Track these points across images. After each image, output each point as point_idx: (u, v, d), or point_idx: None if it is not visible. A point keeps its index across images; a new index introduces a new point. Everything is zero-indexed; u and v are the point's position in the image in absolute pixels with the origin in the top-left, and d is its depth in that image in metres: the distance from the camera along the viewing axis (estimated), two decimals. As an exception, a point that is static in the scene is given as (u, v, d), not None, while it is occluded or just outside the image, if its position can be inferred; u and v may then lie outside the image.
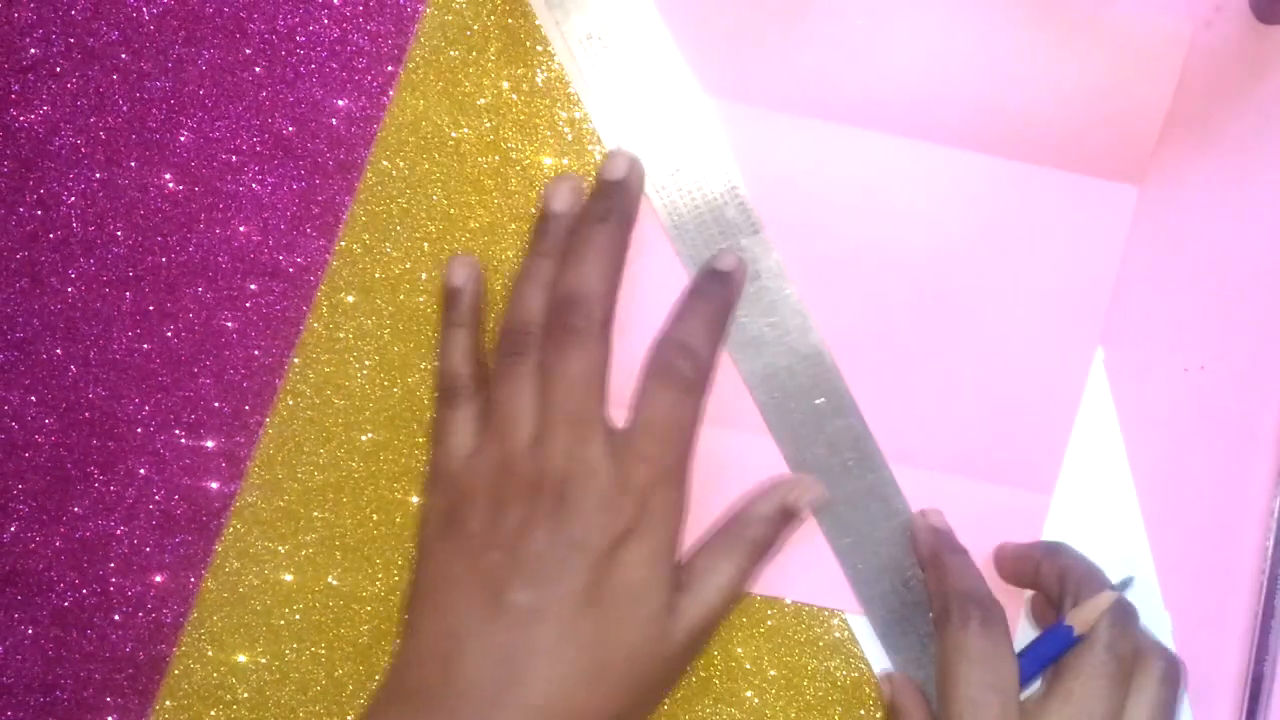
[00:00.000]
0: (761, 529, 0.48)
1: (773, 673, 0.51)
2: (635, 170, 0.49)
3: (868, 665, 0.50)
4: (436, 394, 0.49)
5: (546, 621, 0.44)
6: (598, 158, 0.50)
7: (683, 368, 0.46)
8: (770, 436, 0.50)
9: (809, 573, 0.50)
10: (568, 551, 0.44)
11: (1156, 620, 0.50)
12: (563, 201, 0.48)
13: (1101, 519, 0.50)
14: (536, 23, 0.50)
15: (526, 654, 0.44)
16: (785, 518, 0.48)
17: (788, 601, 0.50)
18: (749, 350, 0.50)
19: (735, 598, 0.48)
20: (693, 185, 0.49)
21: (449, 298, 0.49)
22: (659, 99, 0.49)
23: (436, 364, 0.50)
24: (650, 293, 0.49)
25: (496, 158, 0.50)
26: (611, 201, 0.48)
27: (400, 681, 0.45)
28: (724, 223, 0.49)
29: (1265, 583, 0.49)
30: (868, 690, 0.50)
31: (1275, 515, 0.49)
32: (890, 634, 0.50)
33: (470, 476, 0.46)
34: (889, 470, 0.50)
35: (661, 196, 0.50)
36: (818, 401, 0.50)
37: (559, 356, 0.46)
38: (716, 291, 0.48)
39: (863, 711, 0.51)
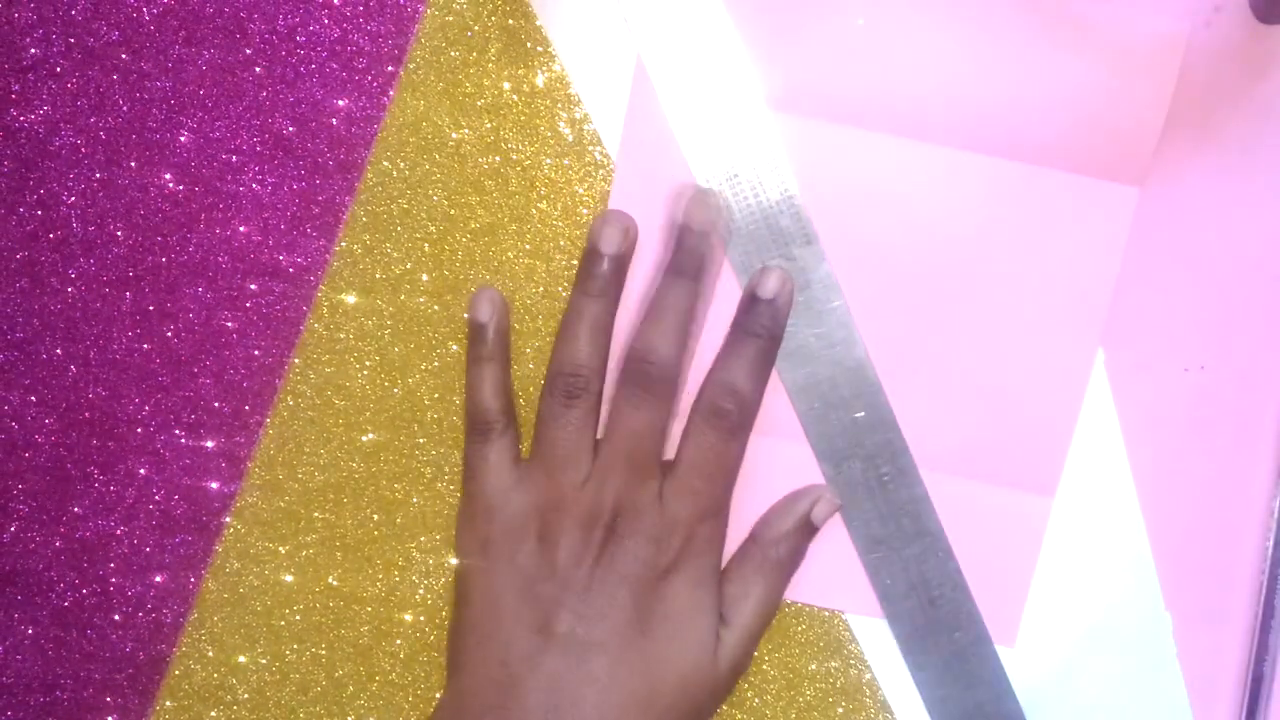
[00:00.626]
0: (787, 547, 0.49)
1: (772, 673, 0.51)
2: (715, 230, 0.49)
3: (868, 666, 0.50)
4: (467, 429, 0.49)
5: (598, 652, 0.45)
6: (599, 159, 0.50)
7: (730, 411, 0.47)
8: (808, 445, 0.50)
9: (837, 582, 0.51)
10: (618, 585, 0.46)
11: (1157, 620, 0.50)
12: (611, 245, 0.48)
13: (1102, 520, 0.50)
14: (538, 23, 0.50)
15: (579, 683, 0.45)
16: (809, 532, 0.49)
17: (788, 602, 0.50)
18: (793, 359, 0.50)
19: (770, 619, 0.49)
20: (749, 192, 0.49)
21: (474, 332, 0.49)
22: (721, 104, 0.49)
23: (465, 400, 0.50)
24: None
25: (497, 158, 0.50)
26: (699, 257, 0.48)
27: (454, 712, 0.46)
28: (778, 231, 0.49)
29: (1265, 583, 0.49)
30: (868, 691, 0.50)
31: (1275, 515, 0.49)
32: (913, 650, 0.50)
33: (514, 510, 0.48)
34: (924, 487, 0.50)
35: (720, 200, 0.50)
36: (858, 415, 0.50)
37: (629, 408, 0.47)
38: (763, 327, 0.48)
39: (863, 712, 0.50)
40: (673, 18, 0.49)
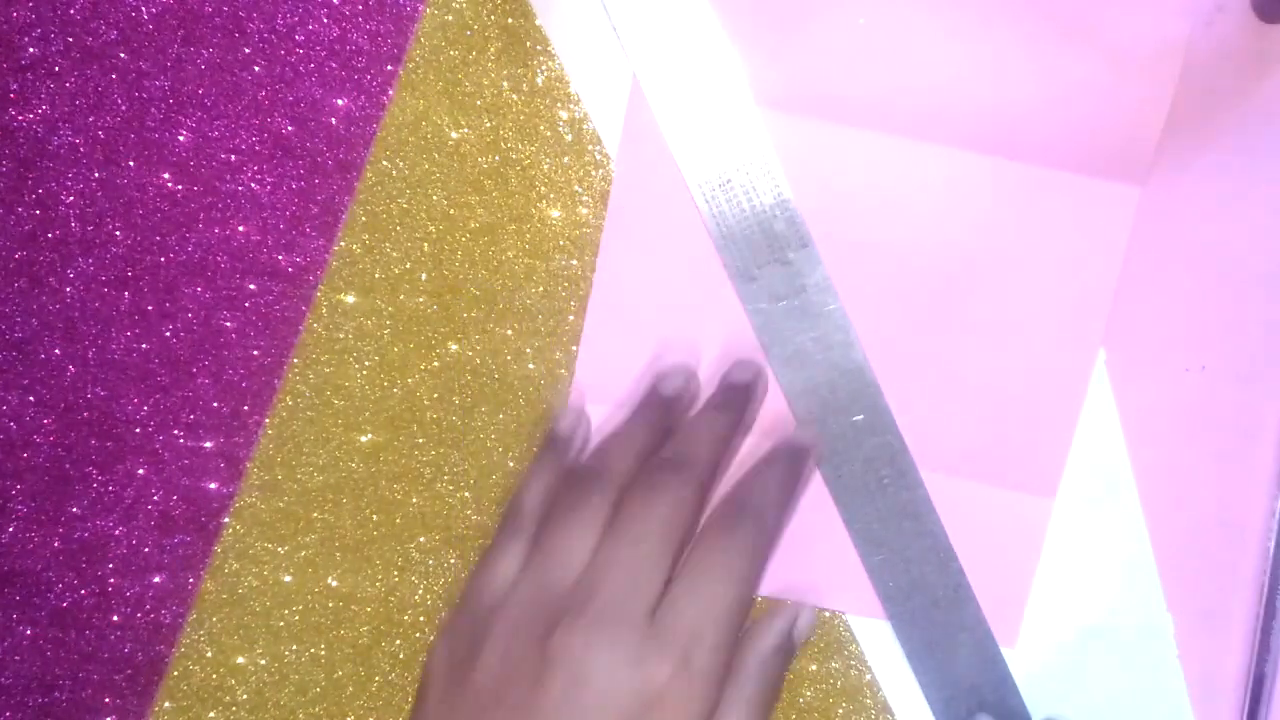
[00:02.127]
0: (771, 671, 0.44)
1: (773, 674, 0.51)
2: (761, 379, 0.49)
3: (868, 667, 0.50)
4: (502, 517, 0.46)
5: None
6: (598, 158, 0.50)
7: (747, 528, 0.43)
8: None
9: (840, 585, 0.50)
10: (586, 713, 0.40)
11: (1159, 621, 0.50)
12: (673, 387, 0.48)
13: (1103, 520, 0.50)
14: (538, 22, 0.50)
15: None
16: (789, 653, 0.45)
17: (789, 604, 0.50)
18: (791, 364, 0.50)
19: None
20: (742, 196, 0.49)
21: (555, 439, 0.48)
22: (711, 108, 0.49)
23: (517, 488, 0.47)
24: (695, 304, 0.50)
25: (496, 158, 0.50)
26: (734, 398, 0.48)
27: None
28: (772, 235, 0.49)
29: (1266, 583, 0.49)
30: (868, 692, 0.50)
31: (1276, 515, 0.49)
32: (918, 652, 0.50)
33: (500, 610, 0.42)
34: (924, 489, 0.50)
35: (710, 207, 0.49)
36: (856, 418, 0.50)
37: (647, 497, 0.43)
38: (785, 456, 0.47)
39: (863, 713, 0.50)
40: (662, 22, 0.49)
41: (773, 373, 0.50)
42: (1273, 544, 0.49)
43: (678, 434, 0.46)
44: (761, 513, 0.44)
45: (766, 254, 0.49)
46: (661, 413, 0.47)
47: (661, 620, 0.41)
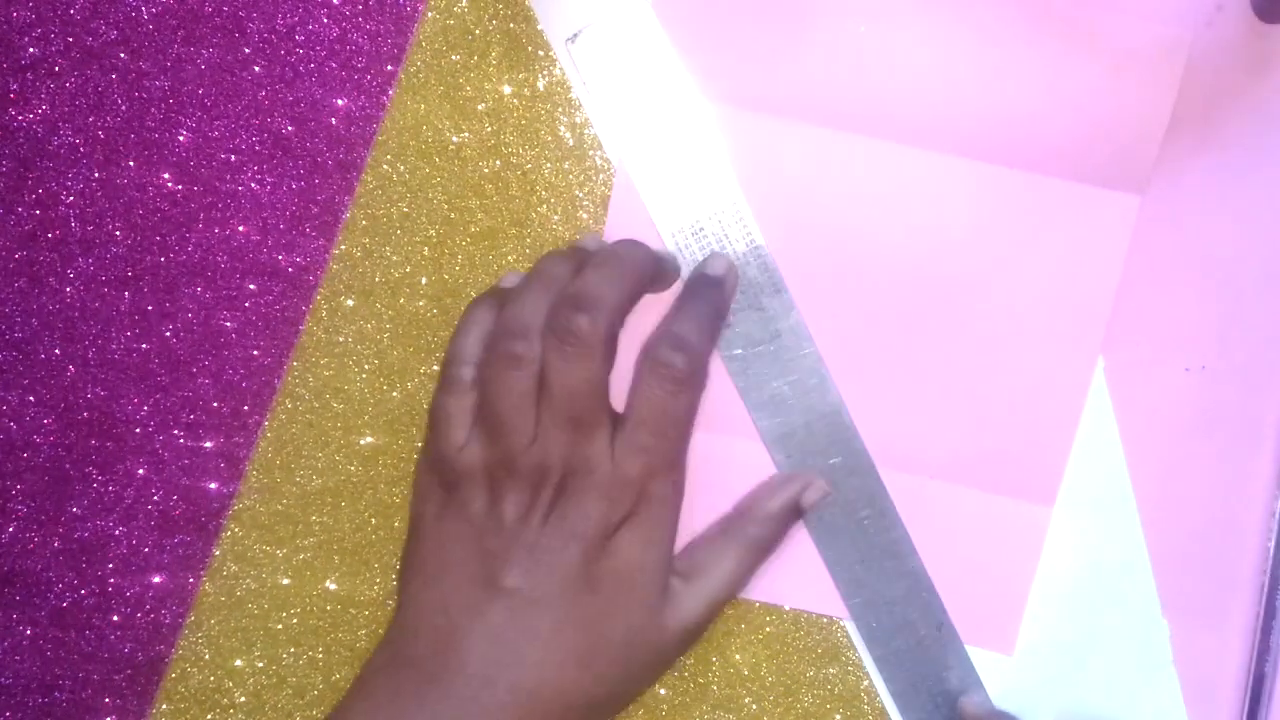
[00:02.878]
0: (768, 529, 0.48)
1: (770, 679, 0.51)
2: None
3: (865, 673, 0.50)
4: (440, 376, 0.48)
5: (542, 607, 0.45)
6: (599, 163, 0.50)
7: (675, 363, 0.45)
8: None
9: (820, 624, 0.51)
10: (567, 541, 0.45)
11: (1155, 628, 0.50)
12: (719, 269, 0.49)
13: (1101, 530, 0.50)
14: (539, 28, 0.49)
15: (521, 637, 0.44)
16: (792, 516, 0.49)
17: (786, 608, 0.50)
18: (767, 409, 0.50)
19: (733, 594, 0.48)
20: (715, 244, 0.49)
21: (501, 288, 0.49)
22: (682, 155, 0.49)
23: (450, 339, 0.48)
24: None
25: (498, 162, 0.50)
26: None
27: (397, 650, 0.46)
28: (746, 281, 0.49)
29: (1266, 583, 0.49)
30: (865, 698, 0.50)
31: (1276, 516, 0.49)
32: (905, 693, 0.50)
33: (466, 465, 0.46)
34: (904, 528, 0.50)
35: (685, 255, 0.49)
36: (833, 461, 0.49)
37: (562, 367, 0.45)
38: (710, 294, 0.48)
39: (860, 719, 0.51)
40: (628, 73, 0.49)
41: (750, 417, 0.50)
42: (1272, 544, 0.49)
43: (591, 268, 0.46)
44: (691, 350, 0.46)
45: (740, 300, 0.49)
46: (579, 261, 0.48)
47: (619, 463, 0.46)
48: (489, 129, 0.50)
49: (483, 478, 0.46)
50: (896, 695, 0.50)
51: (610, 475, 0.45)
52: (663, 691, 0.51)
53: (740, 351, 0.49)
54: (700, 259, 0.49)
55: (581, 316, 0.44)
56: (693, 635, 0.47)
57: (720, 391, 0.50)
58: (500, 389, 0.46)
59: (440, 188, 0.50)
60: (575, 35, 0.49)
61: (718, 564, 0.47)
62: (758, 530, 0.48)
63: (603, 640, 0.45)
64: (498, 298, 0.48)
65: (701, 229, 0.49)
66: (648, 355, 0.46)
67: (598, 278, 0.45)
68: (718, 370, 0.50)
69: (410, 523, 0.48)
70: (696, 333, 0.46)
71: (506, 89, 0.50)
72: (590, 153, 0.50)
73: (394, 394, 0.50)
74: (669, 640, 0.47)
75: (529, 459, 0.45)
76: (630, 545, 0.46)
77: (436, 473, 0.47)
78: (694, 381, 0.46)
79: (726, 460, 0.50)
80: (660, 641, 0.46)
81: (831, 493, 0.49)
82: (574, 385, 0.45)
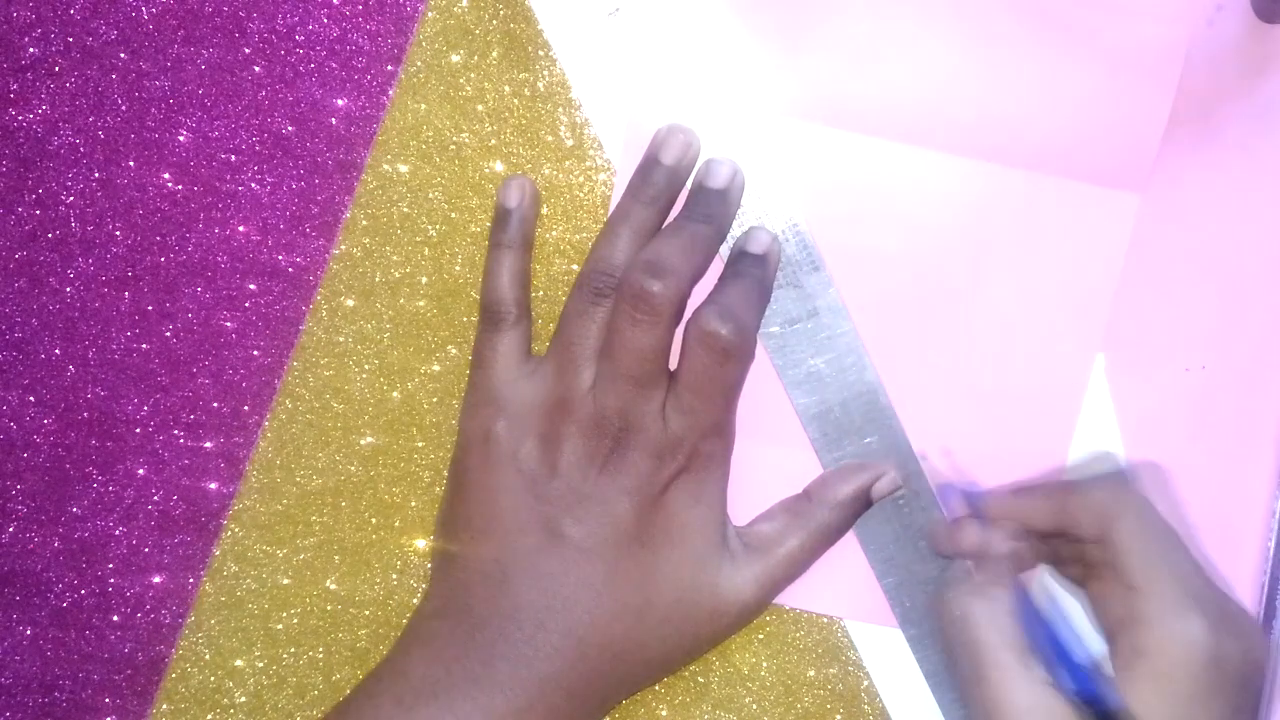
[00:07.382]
0: (837, 515, 0.48)
1: (771, 679, 0.51)
2: (737, 181, 0.48)
3: (866, 673, 0.50)
4: (480, 317, 0.49)
5: (596, 558, 0.45)
6: (600, 163, 0.50)
7: (723, 331, 0.45)
8: (822, 470, 0.50)
9: (855, 600, 0.51)
10: (620, 495, 0.45)
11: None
12: (672, 155, 0.48)
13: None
14: (540, 27, 0.49)
15: (575, 587, 0.45)
16: (862, 506, 0.49)
17: (787, 608, 0.50)
18: (804, 387, 0.50)
19: (794, 576, 0.48)
20: (754, 222, 0.49)
21: (499, 218, 0.49)
22: (721, 136, 0.49)
23: (481, 286, 0.49)
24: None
25: (498, 163, 0.50)
26: (713, 209, 0.48)
27: (448, 599, 0.46)
28: (784, 259, 0.49)
29: (1265, 583, 0.49)
30: (866, 698, 0.50)
31: (1276, 516, 0.49)
32: (937, 671, 0.50)
33: (520, 403, 0.47)
34: (940, 510, 0.50)
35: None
36: (869, 440, 0.49)
37: (631, 326, 0.45)
38: (754, 269, 0.48)
39: (860, 718, 0.51)
40: (670, 41, 0.49)
41: (787, 395, 0.50)
42: (1272, 544, 0.49)
43: (663, 237, 0.47)
44: (737, 320, 0.46)
45: (779, 277, 0.49)
46: (662, 185, 0.48)
47: (670, 423, 0.46)
48: (489, 129, 0.50)
49: (538, 420, 0.46)
50: (929, 675, 0.50)
51: (663, 434, 0.46)
52: (662, 690, 0.51)
53: (777, 329, 0.49)
54: (737, 234, 0.49)
55: (655, 283, 0.45)
56: (750, 611, 0.48)
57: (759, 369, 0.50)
58: (584, 321, 0.46)
59: (440, 188, 0.50)
60: (618, 9, 0.49)
61: (781, 543, 0.48)
62: (826, 515, 0.48)
63: (656, 595, 0.46)
64: (514, 235, 0.49)
65: (741, 207, 0.49)
66: (695, 323, 0.46)
67: (674, 246, 0.46)
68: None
69: (452, 477, 0.49)
70: (743, 305, 0.46)
71: (507, 89, 0.50)
72: (591, 153, 0.50)
73: (394, 394, 0.50)
74: (724, 608, 0.47)
75: (588, 405, 0.46)
76: (680, 501, 0.46)
77: (481, 415, 0.48)
78: (741, 352, 0.46)
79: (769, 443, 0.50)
80: (715, 607, 0.47)
81: (903, 486, 0.49)
82: (640, 348, 0.45)
